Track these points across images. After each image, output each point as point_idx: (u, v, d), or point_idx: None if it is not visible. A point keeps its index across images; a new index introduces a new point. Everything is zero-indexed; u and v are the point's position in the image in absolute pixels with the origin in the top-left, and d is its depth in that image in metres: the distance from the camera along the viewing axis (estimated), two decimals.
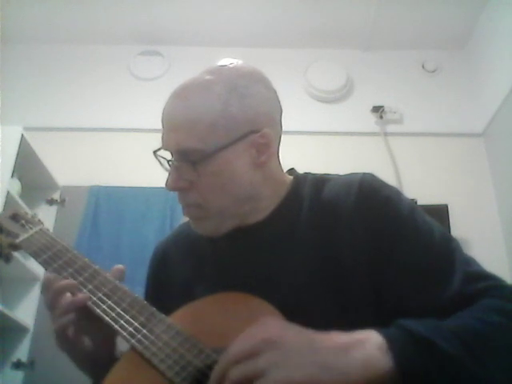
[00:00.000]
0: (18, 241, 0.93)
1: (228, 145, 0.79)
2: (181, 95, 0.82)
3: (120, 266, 0.84)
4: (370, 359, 0.58)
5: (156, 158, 0.85)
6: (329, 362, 0.57)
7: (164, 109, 0.84)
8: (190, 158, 0.78)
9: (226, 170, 0.80)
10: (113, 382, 0.73)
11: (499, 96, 2.69)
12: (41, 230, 0.95)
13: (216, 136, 0.79)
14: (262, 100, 0.83)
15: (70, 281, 0.82)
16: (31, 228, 0.96)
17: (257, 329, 0.61)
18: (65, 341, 0.79)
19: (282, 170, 0.91)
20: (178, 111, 0.80)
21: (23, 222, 0.99)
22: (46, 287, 0.82)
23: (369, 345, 0.59)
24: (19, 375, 2.27)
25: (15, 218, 1.00)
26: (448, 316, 0.68)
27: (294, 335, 0.60)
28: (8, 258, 0.97)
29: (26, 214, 1.03)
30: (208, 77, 0.82)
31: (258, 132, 0.81)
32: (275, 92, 0.87)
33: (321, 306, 0.76)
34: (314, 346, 0.59)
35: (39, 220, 1.02)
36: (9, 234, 0.96)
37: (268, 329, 0.60)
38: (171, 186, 0.82)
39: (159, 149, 0.84)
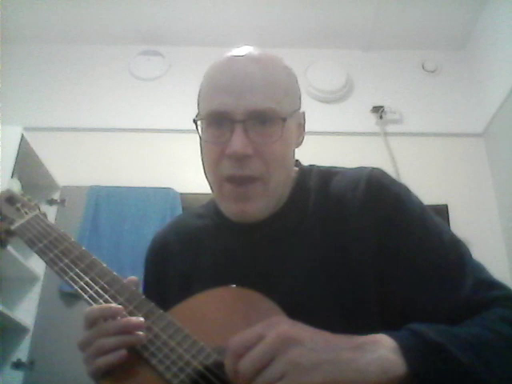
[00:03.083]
0: (13, 227, 0.89)
1: (292, 113, 0.81)
2: (254, 58, 0.80)
3: (134, 278, 0.80)
4: (385, 361, 0.58)
5: (196, 126, 0.80)
6: (345, 361, 0.57)
7: (228, 70, 0.79)
8: (267, 119, 0.76)
9: (290, 139, 0.81)
10: (111, 381, 0.71)
11: (499, 96, 2.69)
12: (37, 215, 0.91)
13: (288, 101, 0.80)
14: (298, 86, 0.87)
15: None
16: (27, 213, 0.92)
17: (270, 327, 0.59)
18: (103, 376, 0.71)
19: None
20: (256, 71, 0.78)
21: (19, 205, 0.94)
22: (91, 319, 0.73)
23: (383, 347, 0.59)
24: (19, 375, 2.27)
25: (10, 200, 0.95)
26: (455, 321, 0.67)
27: (308, 333, 0.59)
28: (3, 244, 0.93)
29: (23, 196, 0.98)
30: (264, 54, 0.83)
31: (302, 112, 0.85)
32: None
33: (324, 302, 0.74)
34: (329, 344, 0.59)
35: (35, 204, 0.97)
36: (4, 219, 0.91)
37: (282, 326, 0.59)
38: (240, 150, 0.74)
39: (198, 115, 0.81)
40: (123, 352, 0.70)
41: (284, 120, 0.77)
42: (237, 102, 0.76)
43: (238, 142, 0.74)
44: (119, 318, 0.73)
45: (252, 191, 0.78)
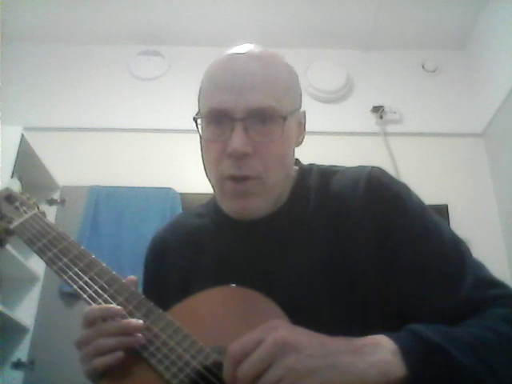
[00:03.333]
0: (12, 226, 0.89)
1: (293, 112, 0.80)
2: (255, 55, 0.80)
3: (133, 278, 0.80)
4: (384, 365, 0.58)
5: (196, 124, 0.80)
6: (344, 366, 0.57)
7: (228, 67, 0.79)
8: (267, 117, 0.76)
9: (290, 138, 0.81)
10: (110, 381, 0.71)
11: (499, 96, 2.69)
12: (35, 214, 0.91)
13: (288, 100, 0.80)
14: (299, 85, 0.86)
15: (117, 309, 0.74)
16: (25, 212, 0.91)
17: (267, 332, 0.59)
18: (99, 377, 0.71)
19: None
20: (256, 69, 0.77)
21: (18, 203, 0.94)
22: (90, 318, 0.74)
23: (382, 350, 0.59)
24: (19, 375, 2.27)
25: (9, 199, 0.94)
26: (455, 319, 0.67)
27: (307, 338, 0.59)
28: (2, 244, 0.93)
29: (22, 194, 0.98)
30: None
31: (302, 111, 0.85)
32: None
33: (324, 301, 0.74)
34: (327, 348, 0.58)
35: (34, 202, 0.96)
36: (3, 218, 0.91)
37: (280, 331, 0.59)
38: (240, 148, 0.74)
39: (198, 113, 0.81)
40: (120, 354, 0.70)
41: (284, 119, 0.77)
42: (237, 100, 0.75)
43: (238, 140, 0.74)
44: (118, 318, 0.73)
45: (251, 188, 0.77)
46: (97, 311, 0.73)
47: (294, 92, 0.82)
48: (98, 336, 0.71)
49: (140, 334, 0.72)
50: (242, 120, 0.75)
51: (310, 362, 0.56)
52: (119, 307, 0.74)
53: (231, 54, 0.81)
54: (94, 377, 0.71)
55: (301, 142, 0.86)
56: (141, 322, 0.73)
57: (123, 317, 0.73)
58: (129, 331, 0.71)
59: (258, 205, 0.78)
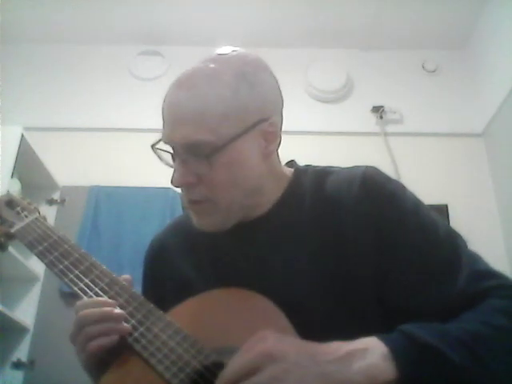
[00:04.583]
0: (13, 230, 0.90)
1: (239, 135, 0.76)
2: (187, 85, 0.77)
3: (127, 276, 0.81)
4: (373, 369, 0.58)
5: (155, 152, 0.81)
6: (330, 373, 0.57)
7: (166, 100, 0.79)
8: (200, 151, 0.75)
9: (238, 162, 0.77)
10: (109, 381, 0.72)
11: (499, 96, 2.69)
12: (36, 219, 0.92)
13: (227, 126, 0.75)
14: (269, 88, 0.81)
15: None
16: (26, 216, 0.93)
17: (255, 343, 0.60)
18: (94, 361, 0.74)
19: (281, 163, 0.89)
20: (185, 102, 0.75)
21: (19, 209, 0.95)
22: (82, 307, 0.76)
23: (372, 354, 0.59)
24: (19, 375, 2.27)
25: (10, 204, 0.96)
26: (453, 314, 0.67)
27: (294, 348, 0.60)
28: (3, 247, 0.94)
29: (22, 200, 0.99)
30: (213, 65, 0.78)
31: (267, 121, 0.79)
32: (277, 81, 0.85)
33: (321, 302, 0.74)
34: (314, 358, 0.59)
35: (35, 207, 0.98)
36: (4, 222, 0.92)
37: (267, 342, 0.59)
38: (179, 181, 0.77)
39: (157, 142, 0.81)
40: (115, 337, 0.72)
41: (221, 148, 0.75)
42: (173, 134, 0.77)
43: (176, 174, 0.78)
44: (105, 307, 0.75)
45: (201, 209, 0.80)
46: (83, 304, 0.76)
47: (240, 111, 0.77)
48: (85, 325, 0.73)
49: (126, 324, 0.73)
50: (180, 154, 0.77)
51: (297, 371, 0.57)
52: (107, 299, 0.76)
53: (172, 84, 0.80)
54: (92, 364, 0.73)
55: (273, 151, 0.83)
56: (122, 311, 0.75)
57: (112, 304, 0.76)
58: (111, 317, 0.73)
59: (213, 222, 0.81)
